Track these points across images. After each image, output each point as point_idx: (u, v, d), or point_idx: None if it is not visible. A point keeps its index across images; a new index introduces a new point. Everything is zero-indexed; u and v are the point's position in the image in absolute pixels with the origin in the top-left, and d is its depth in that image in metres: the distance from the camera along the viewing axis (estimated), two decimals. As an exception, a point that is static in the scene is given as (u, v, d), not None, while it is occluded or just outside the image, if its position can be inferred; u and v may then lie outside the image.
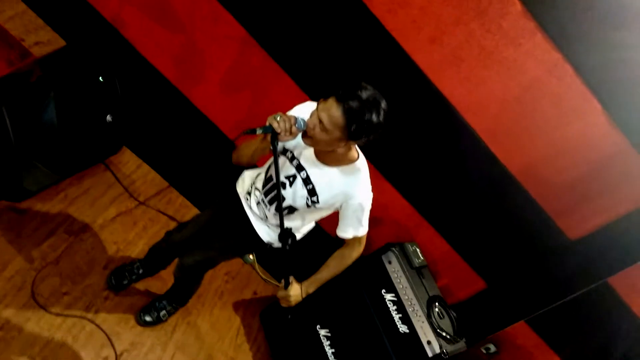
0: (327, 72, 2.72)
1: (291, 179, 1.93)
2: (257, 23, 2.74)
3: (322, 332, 2.90)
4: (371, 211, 3.17)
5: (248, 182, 2.20)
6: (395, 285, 2.70)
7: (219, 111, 3.09)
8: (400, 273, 2.72)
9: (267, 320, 3.19)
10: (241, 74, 2.89)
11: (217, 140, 3.12)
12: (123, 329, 2.54)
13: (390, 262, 2.75)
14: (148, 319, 2.64)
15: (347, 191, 1.92)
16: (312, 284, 2.14)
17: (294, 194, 1.94)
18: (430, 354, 2.55)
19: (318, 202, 1.93)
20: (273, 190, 1.99)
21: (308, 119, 1.74)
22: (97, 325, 2.43)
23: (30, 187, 2.52)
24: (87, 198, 2.85)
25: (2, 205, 2.47)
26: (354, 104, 1.64)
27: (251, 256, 3.43)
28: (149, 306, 2.68)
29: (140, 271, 2.69)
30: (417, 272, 2.78)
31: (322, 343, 2.89)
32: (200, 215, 2.57)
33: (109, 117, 2.74)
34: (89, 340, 2.37)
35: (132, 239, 2.91)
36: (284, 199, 1.94)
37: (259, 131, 1.68)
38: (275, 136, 1.68)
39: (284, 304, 2.12)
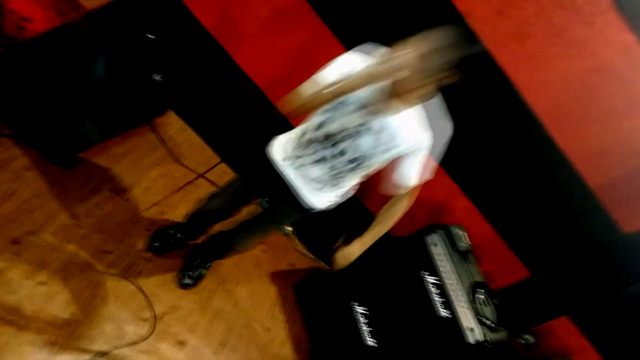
0: (377, 35, 2.61)
1: (364, 127, 1.79)
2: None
3: (359, 309, 2.85)
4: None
5: (290, 146, 2.03)
6: (439, 268, 2.62)
7: (264, 75, 3.00)
8: (445, 256, 2.64)
9: (302, 293, 3.16)
10: (293, 40, 2.79)
11: (261, 106, 3.05)
12: (163, 291, 2.53)
13: (435, 245, 2.67)
14: (188, 281, 2.63)
15: (423, 132, 1.83)
16: (365, 243, 2.06)
17: (369, 142, 1.81)
18: (471, 341, 2.47)
19: (398, 146, 1.82)
20: (342, 140, 1.83)
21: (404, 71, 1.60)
22: (138, 287, 2.43)
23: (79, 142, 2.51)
24: (131, 158, 2.84)
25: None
26: (465, 33, 1.61)
27: (289, 228, 3.38)
28: (187, 266, 2.66)
29: (180, 235, 2.67)
30: (461, 256, 2.69)
31: (358, 320, 2.84)
32: (234, 183, 2.42)
33: (156, 77, 2.70)
34: (130, 300, 2.37)
35: (174, 201, 2.89)
36: (356, 148, 1.83)
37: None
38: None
39: (340, 265, 1.99)
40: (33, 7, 2.47)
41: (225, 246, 2.61)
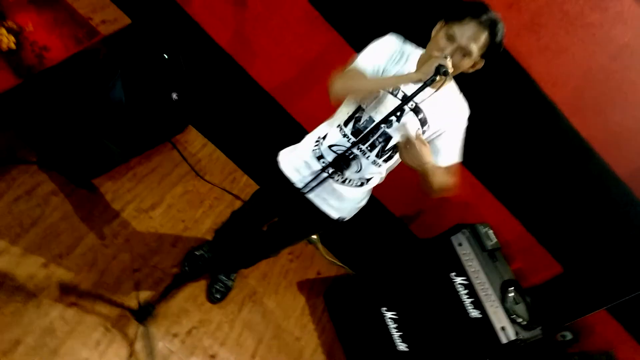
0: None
1: (398, 114, 1.78)
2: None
3: (388, 314, 2.83)
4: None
5: (304, 166, 1.96)
6: (467, 268, 2.57)
7: (280, 87, 3.02)
8: (472, 255, 2.59)
9: (331, 301, 3.15)
10: (305, 50, 2.80)
11: (281, 118, 3.07)
12: (191, 306, 2.56)
13: (460, 244, 2.62)
14: (217, 295, 2.66)
15: (456, 112, 1.86)
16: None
17: (404, 127, 1.78)
18: (504, 340, 2.42)
19: (429, 128, 1.81)
20: (374, 131, 1.79)
21: (435, 52, 1.66)
22: (166, 303, 2.46)
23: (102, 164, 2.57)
24: (154, 176, 2.88)
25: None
26: (494, 20, 1.64)
27: (315, 236, 3.39)
28: (214, 279, 2.68)
29: (208, 255, 2.70)
30: (489, 255, 2.64)
31: (388, 325, 2.82)
32: (254, 202, 2.40)
33: (174, 95, 2.75)
34: (159, 317, 2.39)
35: (199, 217, 2.92)
36: (390, 138, 1.81)
37: (443, 72, 1.55)
38: (434, 80, 1.56)
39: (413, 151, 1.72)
40: (51, 37, 2.54)
41: (252, 255, 2.62)
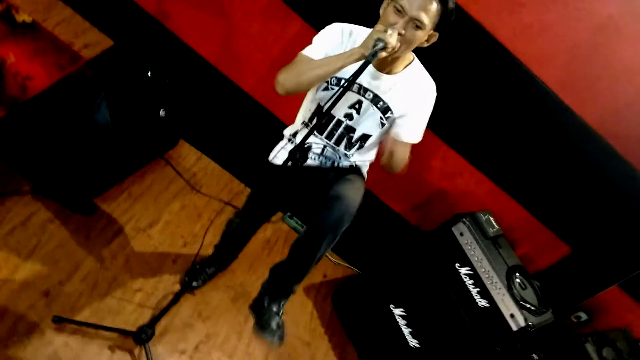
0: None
1: (357, 107, 1.80)
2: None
3: (397, 311, 2.79)
4: (438, 182, 3.03)
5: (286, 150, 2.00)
6: (470, 257, 2.54)
7: (266, 93, 3.01)
8: (474, 244, 2.55)
9: (339, 302, 3.12)
10: (288, 52, 2.79)
11: (271, 123, 3.05)
12: (196, 320, 2.54)
13: (462, 234, 2.59)
14: (275, 327, 1.96)
15: (420, 94, 1.84)
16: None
17: (365, 119, 1.83)
18: (514, 328, 2.38)
19: (392, 115, 1.82)
20: (338, 127, 1.86)
21: (391, 24, 1.60)
22: (171, 320, 2.45)
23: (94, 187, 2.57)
24: (150, 194, 2.88)
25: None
26: None
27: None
28: (259, 315, 1.98)
29: (210, 269, 2.68)
30: (492, 242, 2.60)
31: (398, 322, 2.79)
32: (248, 203, 2.42)
33: (162, 112, 2.74)
34: (164, 334, 2.39)
35: (198, 231, 2.91)
36: (353, 130, 1.84)
37: (380, 45, 1.51)
38: (376, 55, 1.52)
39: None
40: (33, 66, 2.56)
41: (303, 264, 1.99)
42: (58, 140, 2.40)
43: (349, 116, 1.82)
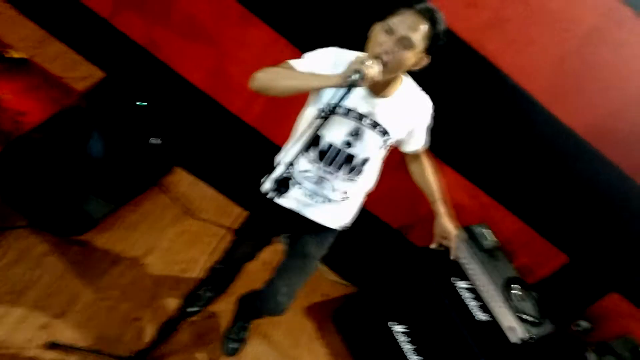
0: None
1: (355, 133, 1.81)
2: (284, 22, 2.68)
3: (397, 328, 2.78)
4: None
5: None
6: (467, 271, 2.54)
7: (258, 116, 3.04)
8: (470, 258, 2.56)
9: (341, 321, 3.11)
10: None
11: (263, 145, 3.08)
12: (198, 346, 2.54)
13: (457, 248, 2.59)
14: (234, 345, 2.63)
15: (416, 111, 1.89)
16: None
17: (365, 144, 1.83)
18: (515, 340, 2.38)
19: (391, 137, 1.86)
20: (338, 154, 1.85)
21: (377, 48, 1.61)
22: (172, 347, 2.44)
23: (90, 219, 2.58)
24: (146, 222, 2.89)
25: (66, 240, 2.54)
26: (432, 9, 1.61)
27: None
28: (229, 331, 2.64)
29: (209, 294, 2.66)
30: (488, 255, 2.61)
31: (399, 340, 2.77)
32: (243, 230, 2.39)
33: (153, 140, 2.77)
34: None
35: (196, 256, 2.92)
36: (353, 157, 1.86)
37: (355, 77, 1.50)
38: (355, 84, 1.52)
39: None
40: (27, 101, 2.60)
41: (266, 306, 2.36)
42: (51, 173, 2.43)
43: (348, 143, 1.83)
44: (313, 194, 1.98)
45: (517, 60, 2.51)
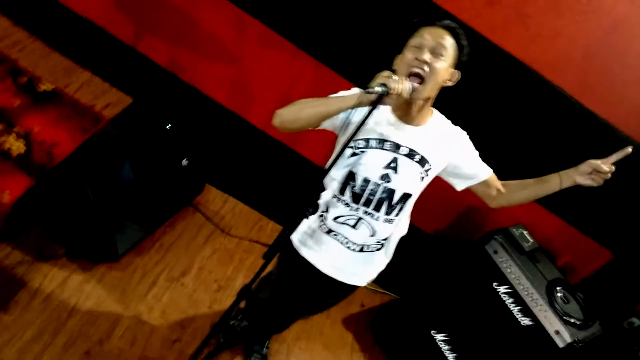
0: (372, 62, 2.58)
1: (392, 165, 1.68)
2: (303, 35, 2.67)
3: (439, 337, 2.73)
4: (465, 200, 2.98)
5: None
6: (507, 275, 2.47)
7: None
8: (510, 262, 2.48)
9: (379, 331, 3.07)
10: (298, 90, 2.82)
11: (292, 159, 3.08)
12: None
13: (496, 252, 2.52)
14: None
15: (453, 139, 1.78)
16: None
17: (405, 176, 1.69)
18: (561, 345, 2.29)
19: (431, 167, 1.72)
20: (375, 190, 1.70)
21: (409, 65, 1.57)
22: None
23: (125, 244, 2.62)
24: (181, 242, 2.92)
25: (104, 265, 2.58)
26: (453, 24, 1.62)
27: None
28: (249, 352, 2.60)
29: (244, 323, 2.61)
30: (529, 257, 2.53)
31: (441, 348, 2.72)
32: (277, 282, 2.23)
33: (184, 162, 2.80)
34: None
35: (231, 273, 2.93)
36: (393, 191, 1.71)
37: (378, 89, 1.43)
38: (380, 98, 1.46)
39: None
40: (58, 132, 2.65)
41: (284, 320, 2.51)
42: (86, 201, 2.47)
43: (385, 177, 1.69)
44: (349, 241, 1.82)
45: (543, 55, 2.43)
